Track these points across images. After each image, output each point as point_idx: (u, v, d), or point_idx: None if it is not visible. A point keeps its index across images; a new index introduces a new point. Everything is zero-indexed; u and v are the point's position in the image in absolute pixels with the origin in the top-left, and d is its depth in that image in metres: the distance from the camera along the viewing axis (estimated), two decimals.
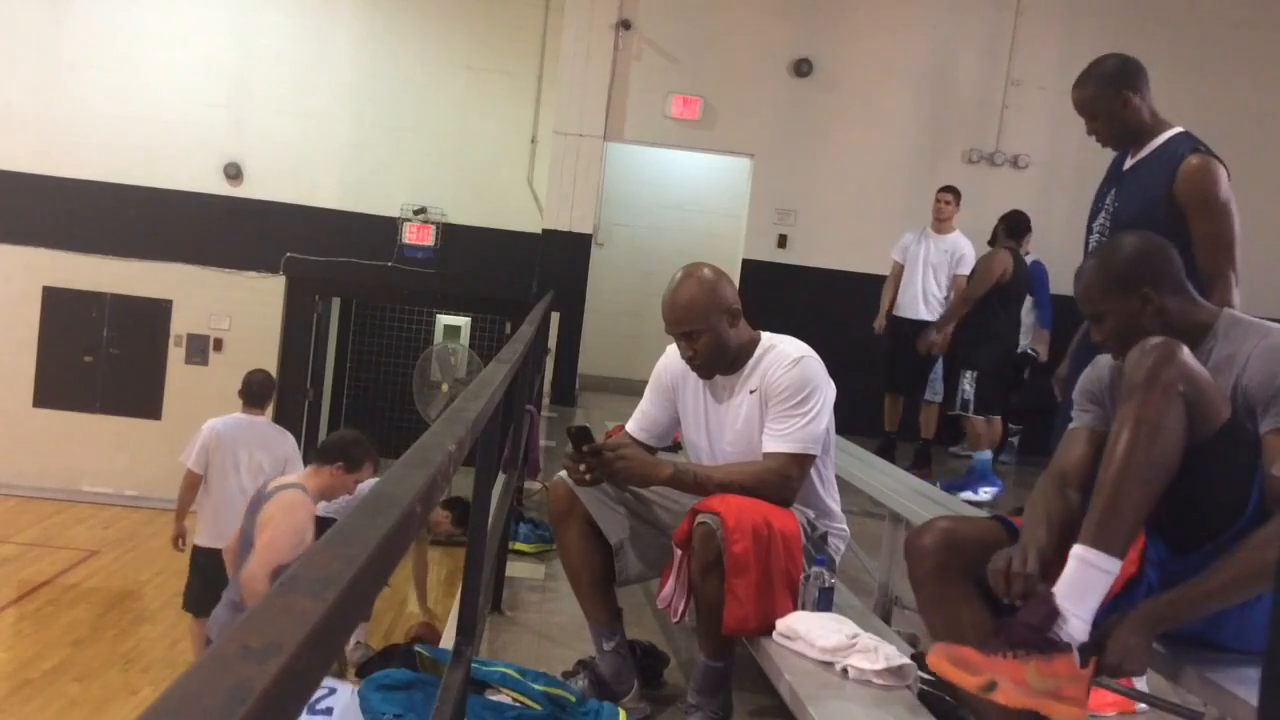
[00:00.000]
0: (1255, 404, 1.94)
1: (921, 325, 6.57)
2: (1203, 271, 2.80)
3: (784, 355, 2.70)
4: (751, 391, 2.71)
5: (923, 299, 6.73)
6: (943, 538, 2.05)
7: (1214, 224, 2.90)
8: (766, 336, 2.78)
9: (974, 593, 2.02)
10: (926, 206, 7.16)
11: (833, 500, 2.85)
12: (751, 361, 2.73)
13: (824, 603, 2.56)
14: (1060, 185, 8.37)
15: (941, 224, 6.80)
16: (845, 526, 2.89)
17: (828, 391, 2.70)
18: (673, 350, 2.87)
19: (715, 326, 2.68)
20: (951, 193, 6.80)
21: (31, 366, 9.59)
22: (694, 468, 2.75)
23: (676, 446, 3.05)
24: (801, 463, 2.64)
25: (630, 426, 2.93)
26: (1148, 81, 3.07)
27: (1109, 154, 3.28)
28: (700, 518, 2.49)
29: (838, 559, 2.85)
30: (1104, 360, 2.19)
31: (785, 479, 2.62)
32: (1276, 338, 1.98)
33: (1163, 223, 2.82)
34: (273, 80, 9.53)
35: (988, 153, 8.50)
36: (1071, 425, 2.19)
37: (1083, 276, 2.16)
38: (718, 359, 2.73)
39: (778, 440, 2.64)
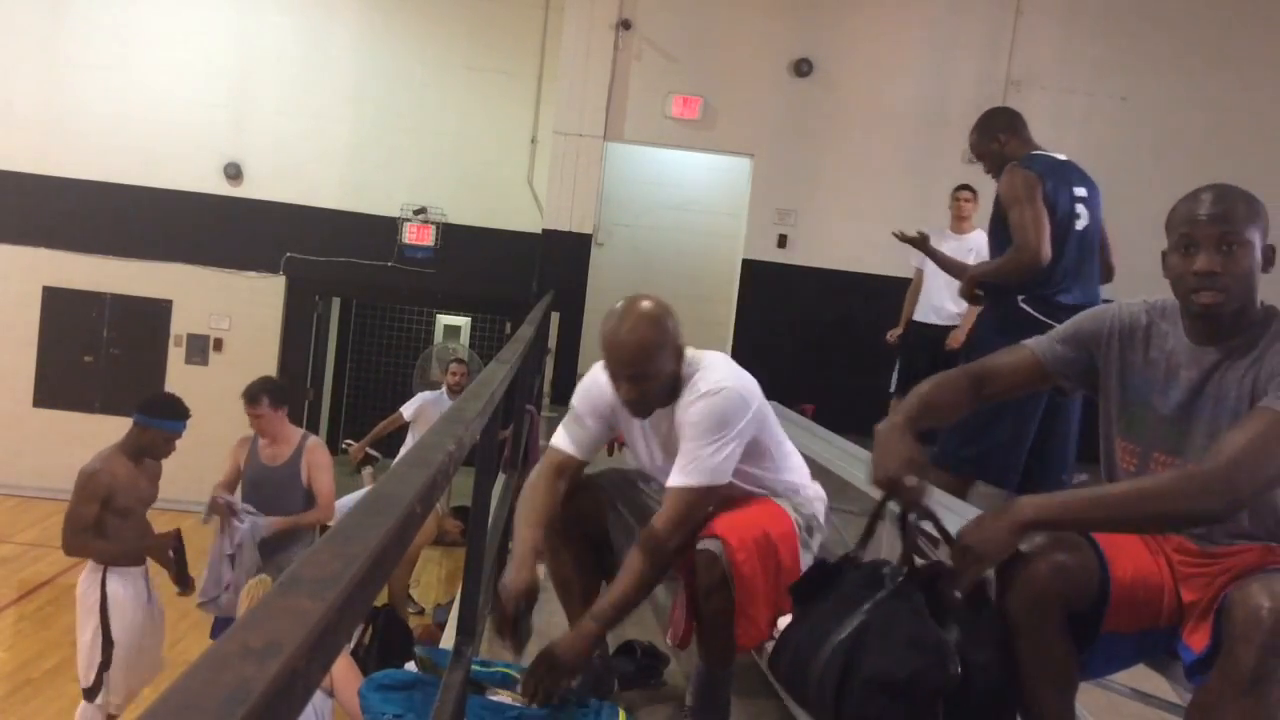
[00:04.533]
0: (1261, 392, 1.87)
1: (947, 330, 6.33)
2: None
3: (694, 388, 2.50)
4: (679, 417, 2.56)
5: (951, 302, 6.45)
6: (1054, 572, 1.88)
7: (1011, 215, 3.77)
8: (690, 357, 2.55)
9: (1065, 626, 1.90)
10: (927, 206, 7.15)
11: (793, 472, 2.73)
12: (684, 389, 2.54)
13: None
14: None
15: (961, 223, 6.62)
16: (819, 489, 2.79)
17: (744, 423, 2.50)
18: (600, 379, 2.65)
19: (664, 368, 2.47)
20: (971, 190, 6.58)
21: (31, 366, 9.59)
22: (607, 605, 2.52)
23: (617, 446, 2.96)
24: (704, 495, 2.49)
25: (563, 444, 2.69)
26: (1021, 123, 3.99)
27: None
28: (700, 545, 2.43)
29: (827, 527, 2.79)
30: (1114, 311, 2.08)
31: (685, 520, 2.48)
32: None
33: (1004, 230, 3.83)
34: (273, 80, 9.53)
35: None
36: (1024, 344, 2.16)
37: (1220, 199, 1.91)
38: (660, 401, 2.55)
39: (678, 473, 2.49)
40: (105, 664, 4.70)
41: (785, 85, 8.47)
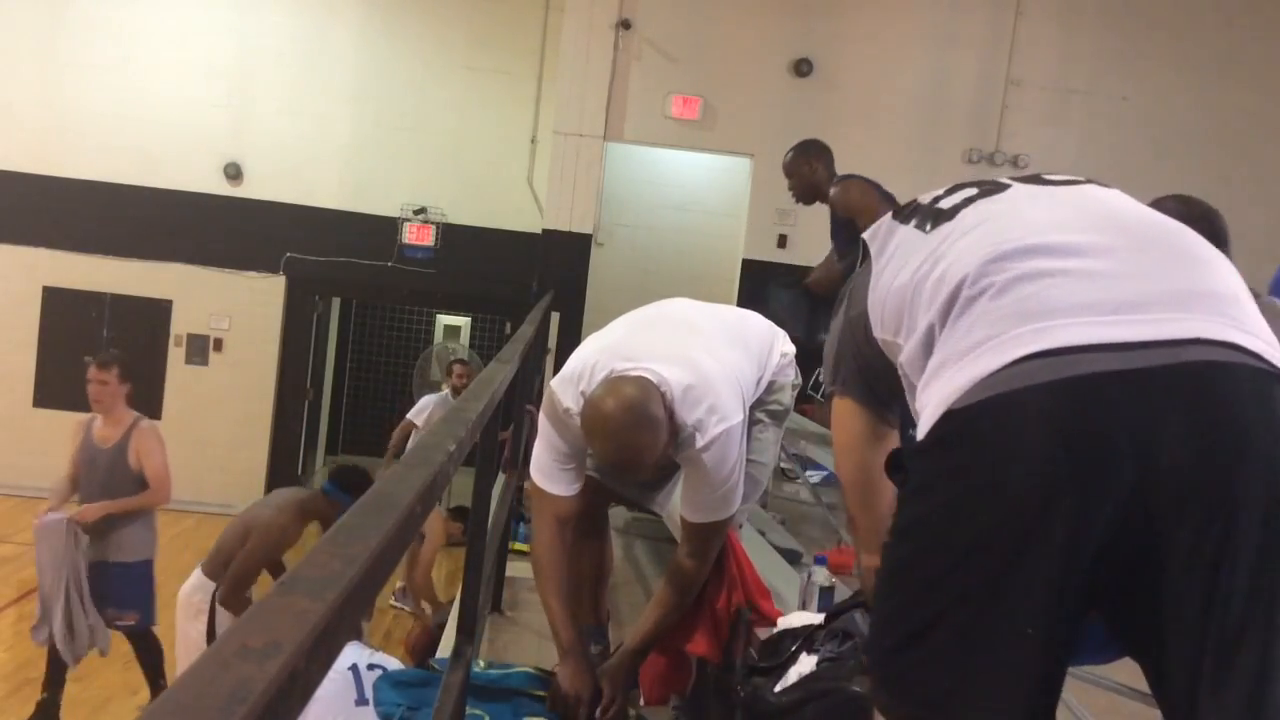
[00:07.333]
0: None
1: None
2: None
3: (690, 440, 2.34)
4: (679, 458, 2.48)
5: None
6: None
7: (861, 223, 4.07)
8: (677, 410, 2.32)
9: None
10: None
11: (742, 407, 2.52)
12: (680, 438, 2.37)
13: (825, 602, 2.56)
14: None
15: None
16: (777, 362, 2.87)
17: (740, 448, 2.42)
18: (572, 423, 2.46)
19: (658, 454, 2.32)
20: None
21: (31, 366, 9.59)
22: (647, 636, 2.60)
23: None
24: (722, 524, 2.50)
25: (556, 489, 2.57)
26: (831, 156, 4.76)
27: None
28: None
29: (794, 379, 2.95)
30: None
31: (710, 550, 2.51)
32: None
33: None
34: (273, 80, 9.53)
35: (988, 153, 8.50)
36: None
37: None
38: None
39: (694, 511, 2.47)
40: None
41: (785, 85, 8.47)
